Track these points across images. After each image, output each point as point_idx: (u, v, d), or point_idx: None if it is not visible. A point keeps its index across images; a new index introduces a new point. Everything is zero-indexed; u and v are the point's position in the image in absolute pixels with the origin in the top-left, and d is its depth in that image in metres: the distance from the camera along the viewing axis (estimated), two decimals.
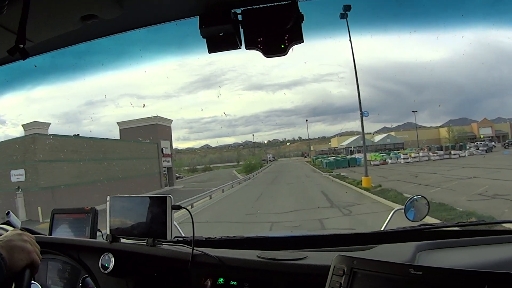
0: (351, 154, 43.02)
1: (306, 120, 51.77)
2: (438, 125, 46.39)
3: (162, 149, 33.62)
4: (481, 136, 41.22)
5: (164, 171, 34.21)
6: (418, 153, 36.13)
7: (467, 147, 35.92)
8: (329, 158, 41.28)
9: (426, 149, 37.74)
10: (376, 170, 28.41)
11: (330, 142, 53.87)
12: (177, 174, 44.65)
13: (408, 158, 35.09)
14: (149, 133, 32.72)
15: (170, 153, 35.81)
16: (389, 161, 35.53)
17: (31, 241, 1.18)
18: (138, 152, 30.24)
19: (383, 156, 37.81)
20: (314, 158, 47.56)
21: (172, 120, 37.60)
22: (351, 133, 50.48)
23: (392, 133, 49.27)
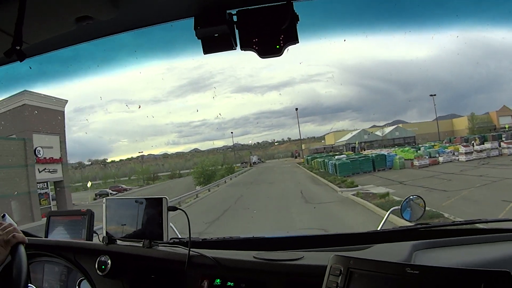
0: (353, 151, 35.58)
1: (296, 109, 46.58)
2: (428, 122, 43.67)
3: (35, 149, 19.42)
4: (507, 126, 33.74)
5: (44, 188, 20.02)
6: (481, 143, 24.99)
7: None
8: (338, 157, 27.75)
9: (459, 140, 29.80)
10: (452, 180, 15.91)
11: (323, 140, 48.59)
12: (123, 186, 36.23)
13: (472, 152, 23.32)
14: (15, 122, 19.25)
15: (59, 158, 21.05)
16: (440, 159, 23.45)
17: (2, 227, 1.29)
18: None
19: (417, 152, 26.45)
20: (309, 158, 36.15)
21: (66, 101, 22.28)
22: (342, 132, 46.34)
23: (400, 125, 42.82)
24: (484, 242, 1.49)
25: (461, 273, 0.92)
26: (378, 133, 42.35)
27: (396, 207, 1.89)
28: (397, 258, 1.29)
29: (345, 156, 28.81)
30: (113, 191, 33.51)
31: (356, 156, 26.76)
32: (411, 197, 1.90)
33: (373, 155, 25.62)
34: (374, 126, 44.31)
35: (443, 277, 0.93)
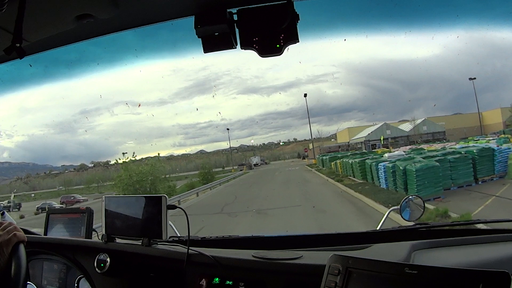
0: (385, 149, 27.21)
1: (305, 95, 42.35)
2: None
3: None
4: None
5: None
6: None
7: None
8: (393, 154, 16.28)
9: None
10: None
11: (333, 138, 43.37)
12: (77, 196, 29.72)
13: None
14: None
15: None
16: None
17: (3, 227, 1.29)
18: None
19: None
20: (324, 158, 27.03)
21: None
22: (357, 128, 41.31)
23: (426, 118, 37.01)
24: (483, 243, 1.49)
25: (460, 273, 0.92)
26: (402, 127, 36.09)
27: (396, 207, 1.90)
28: (396, 258, 1.29)
29: (412, 154, 15.01)
30: (62, 203, 27.64)
31: (439, 154, 12.81)
32: (410, 197, 1.90)
33: (473, 150, 12.62)
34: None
35: (442, 277, 0.93)
